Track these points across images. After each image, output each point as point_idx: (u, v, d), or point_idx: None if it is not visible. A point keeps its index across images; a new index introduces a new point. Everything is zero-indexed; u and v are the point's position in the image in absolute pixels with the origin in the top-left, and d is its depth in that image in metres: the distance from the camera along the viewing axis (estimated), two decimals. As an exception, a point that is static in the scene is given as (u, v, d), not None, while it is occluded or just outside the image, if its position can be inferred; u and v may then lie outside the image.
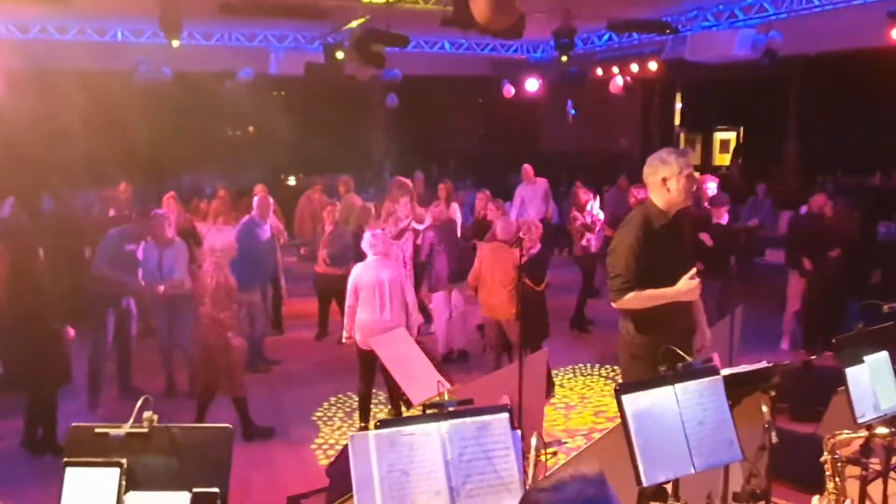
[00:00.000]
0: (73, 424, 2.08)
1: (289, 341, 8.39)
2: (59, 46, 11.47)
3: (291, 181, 16.79)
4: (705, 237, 6.92)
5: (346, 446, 3.94)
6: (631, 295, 3.61)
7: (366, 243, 5.84)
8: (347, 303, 5.77)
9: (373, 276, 5.64)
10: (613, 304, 3.73)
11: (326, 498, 3.95)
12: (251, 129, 18.86)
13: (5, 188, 10.06)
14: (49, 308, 5.47)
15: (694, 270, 3.61)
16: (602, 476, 1.55)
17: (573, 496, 1.49)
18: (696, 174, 3.86)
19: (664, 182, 3.64)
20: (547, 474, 2.44)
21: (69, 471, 2.01)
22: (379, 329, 5.48)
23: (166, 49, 11.56)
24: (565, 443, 5.35)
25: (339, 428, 5.98)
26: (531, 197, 10.51)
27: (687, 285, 3.59)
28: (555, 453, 4.95)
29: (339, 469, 3.95)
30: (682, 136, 17.75)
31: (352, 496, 2.28)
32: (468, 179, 14.64)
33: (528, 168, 10.69)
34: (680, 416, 2.72)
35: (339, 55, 10.82)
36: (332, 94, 14.11)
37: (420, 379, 4.41)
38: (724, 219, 7.37)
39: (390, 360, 4.64)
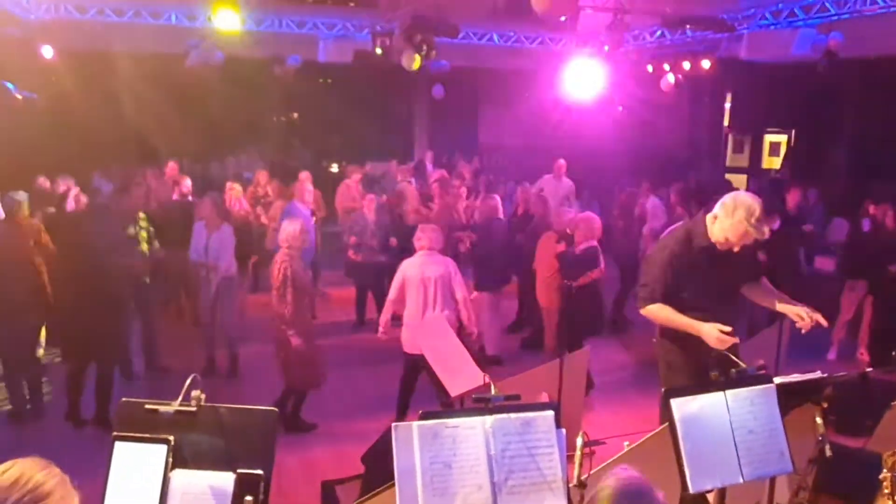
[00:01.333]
0: (124, 399, 2.11)
1: (328, 328, 8.45)
2: (115, 28, 11.69)
3: (334, 168, 16.90)
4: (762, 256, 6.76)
5: (382, 435, 3.94)
6: (655, 306, 3.56)
7: (416, 237, 5.67)
8: (390, 296, 5.63)
9: (418, 272, 5.44)
10: (640, 311, 3.69)
11: (362, 485, 3.96)
12: (295, 115, 19.02)
13: (60, 167, 10.31)
14: (106, 286, 5.58)
15: (730, 329, 3.40)
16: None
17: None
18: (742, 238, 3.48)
19: (714, 218, 3.51)
20: (593, 472, 2.39)
21: (118, 445, 2.04)
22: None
23: (218, 34, 11.73)
24: (603, 443, 5.28)
25: (374, 415, 6.00)
26: (552, 192, 10.16)
27: (716, 336, 3.38)
28: (592, 454, 4.87)
29: (375, 457, 3.95)
30: (730, 137, 17.35)
31: (391, 485, 2.27)
32: (509, 173, 14.55)
33: (561, 163, 10.47)
34: (730, 424, 2.65)
35: (379, 51, 10.83)
36: (379, 82, 14.13)
37: (459, 372, 4.39)
38: (776, 224, 7.22)
39: (431, 351, 4.62)
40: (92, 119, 12.07)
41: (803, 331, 3.57)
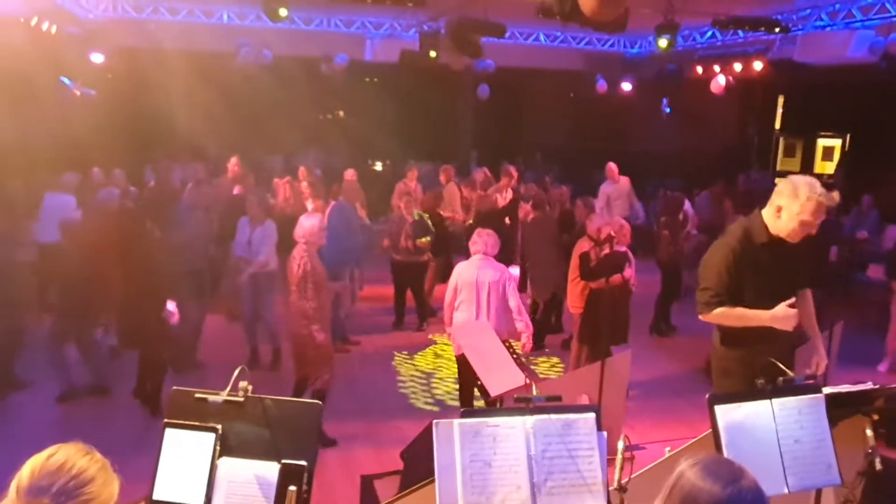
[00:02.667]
0: (175, 388, 2.17)
1: (368, 325, 8.53)
2: (169, 26, 12.00)
3: (378, 166, 17.03)
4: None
5: (422, 431, 3.97)
6: (719, 311, 3.44)
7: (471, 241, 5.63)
8: (446, 299, 5.56)
9: (473, 275, 5.40)
10: (700, 317, 3.57)
11: (401, 480, 3.99)
12: (341, 113, 19.21)
13: (113, 161, 10.63)
14: (160, 278, 5.76)
15: (793, 299, 3.37)
16: None
17: (753, 484, 1.49)
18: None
19: (779, 210, 3.41)
20: (633, 476, 2.38)
21: (168, 431, 2.11)
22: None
23: (267, 32, 11.96)
24: (643, 448, 5.23)
25: (412, 413, 6.04)
26: (616, 195, 10.38)
27: (784, 312, 3.35)
28: (632, 458, 4.83)
29: (415, 453, 3.98)
30: (781, 140, 16.93)
31: (431, 481, 2.29)
32: (552, 174, 14.45)
33: (612, 166, 10.55)
34: (776, 433, 2.60)
35: (433, 53, 10.87)
36: (424, 82, 14.21)
37: (499, 371, 4.40)
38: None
39: (470, 350, 4.64)
40: (144, 115, 12.40)
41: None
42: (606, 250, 6.04)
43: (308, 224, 5.36)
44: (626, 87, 13.65)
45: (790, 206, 3.36)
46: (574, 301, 6.43)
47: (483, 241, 5.50)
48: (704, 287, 3.50)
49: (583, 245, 6.43)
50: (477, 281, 5.36)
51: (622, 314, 6.23)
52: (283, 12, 8.90)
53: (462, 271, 5.51)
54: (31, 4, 9.09)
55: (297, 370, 5.53)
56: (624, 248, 6.19)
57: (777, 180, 3.55)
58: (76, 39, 11.19)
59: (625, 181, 10.57)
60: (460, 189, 10.45)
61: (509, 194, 9.77)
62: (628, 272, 6.03)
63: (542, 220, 7.99)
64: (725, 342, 3.59)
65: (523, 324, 5.47)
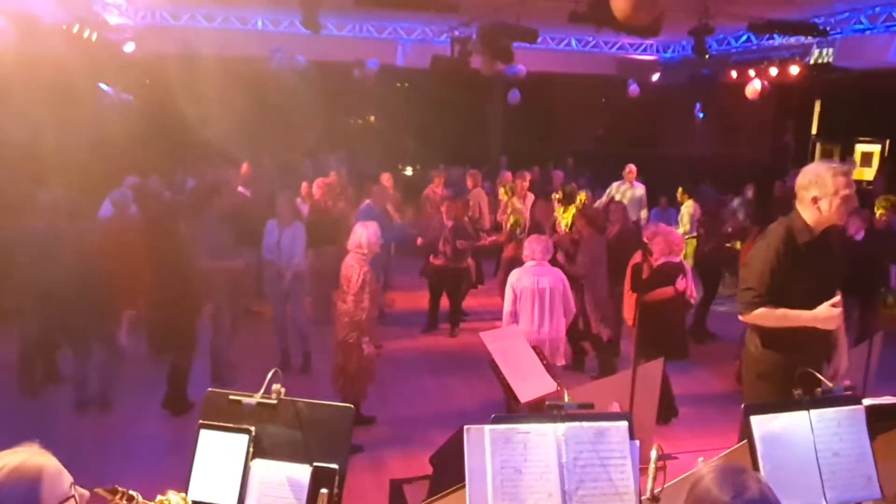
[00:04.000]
0: (210, 390, 2.20)
1: (397, 331, 8.55)
2: (206, 33, 12.22)
3: (408, 171, 17.10)
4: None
5: (451, 437, 3.96)
6: (761, 311, 3.39)
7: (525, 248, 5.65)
8: (506, 308, 5.49)
9: (533, 282, 5.36)
10: (741, 318, 3.52)
11: (430, 485, 3.99)
12: (372, 118, 19.34)
13: (150, 166, 10.83)
14: (192, 283, 5.85)
15: (837, 298, 3.32)
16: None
17: (758, 487, 1.54)
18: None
19: (815, 201, 3.35)
20: (666, 486, 2.35)
21: (203, 432, 2.13)
22: (538, 340, 5.29)
23: (300, 38, 12.11)
24: (676, 458, 5.15)
25: (442, 418, 6.03)
26: (623, 198, 10.32)
27: (827, 312, 3.30)
28: (664, 468, 4.76)
29: (444, 459, 3.98)
30: (818, 146, 16.60)
31: (461, 487, 2.29)
32: (581, 178, 14.36)
33: (632, 168, 10.51)
34: (813, 445, 2.54)
35: (468, 53, 10.87)
36: (455, 87, 14.22)
37: (529, 378, 4.38)
38: (860, 234, 6.90)
39: (500, 356, 4.62)
40: (181, 120, 12.62)
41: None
42: (661, 261, 5.95)
43: (364, 232, 5.36)
44: (651, 81, 13.49)
45: (825, 191, 3.32)
46: (628, 313, 6.35)
47: (535, 247, 5.50)
48: (746, 287, 3.45)
49: (636, 256, 6.34)
50: (538, 287, 5.34)
51: (678, 328, 6.01)
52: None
53: (520, 278, 5.45)
54: (72, 12, 9.33)
55: (335, 379, 5.50)
56: (678, 259, 6.01)
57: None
58: (115, 46, 11.45)
59: (640, 189, 10.56)
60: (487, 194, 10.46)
61: (530, 199, 9.74)
62: (681, 284, 5.80)
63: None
64: (765, 344, 3.52)
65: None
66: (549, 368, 4.53)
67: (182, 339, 5.85)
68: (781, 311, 3.37)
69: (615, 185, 10.71)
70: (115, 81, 12.45)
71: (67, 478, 1.57)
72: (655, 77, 13.64)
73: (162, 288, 5.76)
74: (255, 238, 7.29)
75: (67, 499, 1.55)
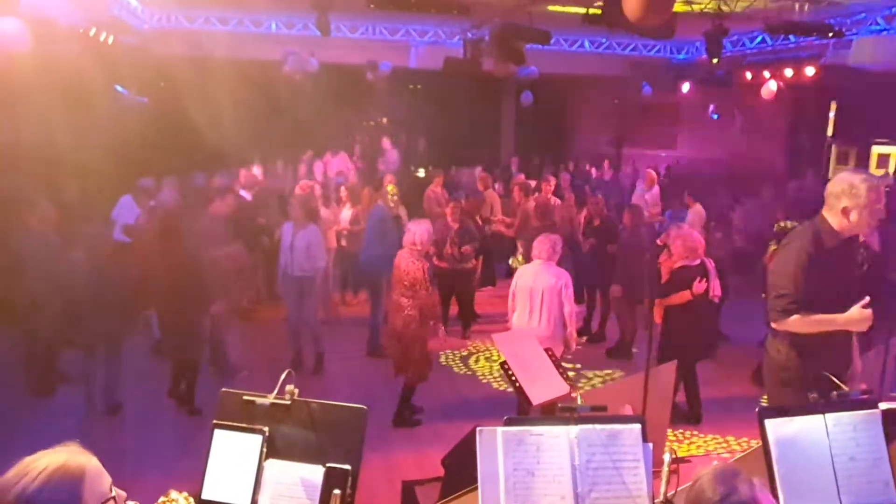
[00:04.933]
0: (224, 390, 2.21)
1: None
2: (220, 36, 12.31)
3: (420, 173, 17.13)
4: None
5: (463, 438, 3.96)
6: (796, 318, 3.35)
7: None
8: (508, 304, 5.72)
9: (529, 280, 5.49)
10: (774, 325, 3.46)
11: (442, 487, 3.99)
12: (385, 120, 19.39)
13: (165, 167, 10.90)
14: (202, 283, 5.90)
15: (867, 299, 3.30)
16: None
17: (749, 491, 1.55)
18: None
19: (845, 212, 3.33)
20: (679, 489, 2.33)
21: (217, 432, 2.15)
22: None
23: (313, 41, 12.17)
24: (689, 461, 5.12)
25: (454, 419, 6.03)
26: (651, 202, 10.53)
27: (860, 314, 3.30)
28: (677, 471, 4.74)
29: (456, 460, 3.98)
30: (833, 147, 16.45)
31: (473, 489, 2.29)
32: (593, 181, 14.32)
33: (651, 173, 10.72)
34: (829, 449, 2.52)
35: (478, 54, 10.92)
36: (468, 88, 14.25)
37: (542, 380, 4.37)
38: (874, 238, 6.83)
39: (513, 358, 4.62)
40: (195, 122, 12.71)
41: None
42: (679, 264, 5.91)
43: (417, 230, 5.68)
44: (685, 87, 13.47)
45: (856, 203, 3.30)
46: (657, 313, 6.33)
47: (538, 247, 5.57)
48: (779, 294, 3.40)
49: (663, 258, 6.31)
50: (532, 286, 5.45)
51: (702, 329, 5.96)
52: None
53: (519, 276, 5.62)
54: (89, 16, 9.42)
55: (398, 369, 5.82)
56: (698, 261, 5.92)
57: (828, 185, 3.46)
58: (132, 49, 11.55)
59: (656, 192, 10.65)
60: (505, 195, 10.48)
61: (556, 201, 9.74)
62: (699, 286, 5.72)
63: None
64: (794, 350, 3.46)
65: (569, 330, 5.52)
66: (562, 370, 4.52)
67: (190, 335, 5.89)
68: (816, 316, 3.34)
69: (641, 187, 10.78)
70: (131, 84, 12.55)
71: (107, 478, 1.58)
72: (685, 88, 13.59)
73: (174, 287, 5.81)
74: (249, 239, 7.39)
75: (108, 500, 1.56)
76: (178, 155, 11.93)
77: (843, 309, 3.33)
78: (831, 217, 3.40)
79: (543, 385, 4.36)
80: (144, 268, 6.08)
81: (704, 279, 5.78)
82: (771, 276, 3.48)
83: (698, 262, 5.91)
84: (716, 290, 5.98)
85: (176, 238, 5.92)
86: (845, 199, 3.32)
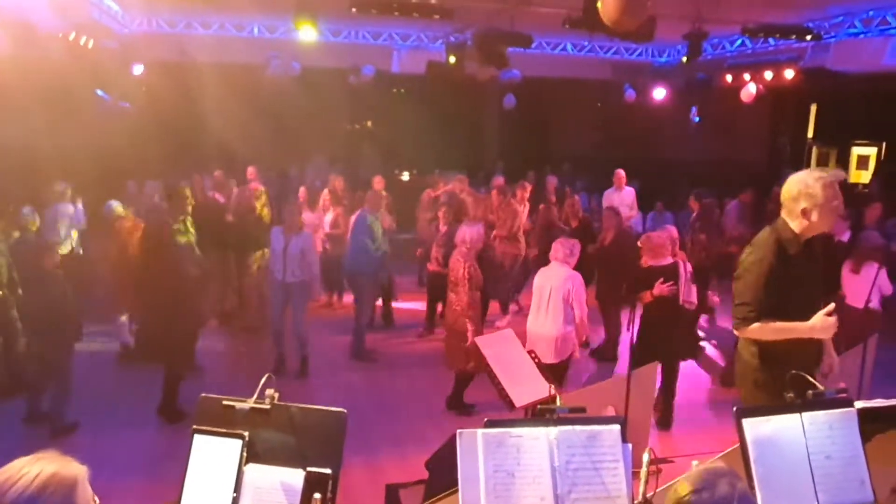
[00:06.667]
0: (203, 395, 2.21)
1: (394, 335, 8.57)
2: (202, 40, 12.25)
3: (405, 177, 17.13)
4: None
5: (447, 442, 3.97)
6: (756, 325, 3.36)
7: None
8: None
9: (539, 281, 5.82)
10: (737, 333, 3.49)
11: (425, 490, 3.99)
12: (369, 124, 19.38)
13: (148, 172, 10.85)
14: (185, 288, 5.85)
15: (832, 306, 3.31)
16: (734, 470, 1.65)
17: (727, 491, 1.53)
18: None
19: (805, 213, 3.33)
20: (659, 490, 2.36)
21: (197, 437, 2.14)
22: (533, 336, 5.70)
23: (296, 45, 12.12)
24: (671, 462, 5.16)
25: (439, 422, 6.04)
26: (619, 203, 10.35)
27: (823, 322, 3.30)
28: (658, 471, 4.77)
29: (439, 463, 3.98)
30: (814, 149, 16.65)
31: (454, 491, 2.29)
32: (578, 183, 14.39)
33: (620, 173, 10.64)
34: (806, 448, 2.55)
35: (452, 59, 10.94)
36: (451, 92, 14.28)
37: (524, 382, 4.39)
38: (846, 236, 6.94)
39: (495, 361, 4.63)
40: (178, 127, 12.65)
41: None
42: (647, 264, 5.97)
43: (470, 231, 6.14)
44: (660, 93, 13.53)
45: (814, 202, 3.30)
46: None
47: (555, 247, 5.86)
48: (740, 302, 3.41)
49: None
50: (541, 285, 5.77)
51: (670, 332, 5.93)
52: (308, 34, 8.96)
53: (538, 275, 5.97)
54: (69, 20, 9.34)
55: (452, 363, 6.17)
56: (665, 262, 5.96)
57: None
58: (113, 53, 11.46)
59: (630, 190, 10.65)
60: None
61: (526, 207, 9.79)
62: (661, 287, 5.77)
63: None
64: (762, 354, 3.48)
65: (578, 331, 5.72)
66: (544, 372, 4.53)
67: (176, 347, 5.84)
68: (778, 324, 3.34)
69: (608, 191, 10.74)
70: (113, 88, 12.46)
71: (89, 487, 1.61)
72: (661, 95, 13.68)
73: (156, 295, 5.76)
74: (224, 241, 7.36)
75: None
76: (161, 159, 11.86)
77: (810, 313, 3.34)
78: (792, 221, 3.40)
79: (526, 387, 4.37)
80: (125, 273, 6.03)
81: (672, 282, 5.80)
82: (734, 284, 3.49)
83: (668, 262, 5.96)
84: (688, 295, 5.98)
85: (162, 244, 5.88)
86: (803, 200, 3.32)
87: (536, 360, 4.54)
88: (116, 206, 7.51)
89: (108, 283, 6.89)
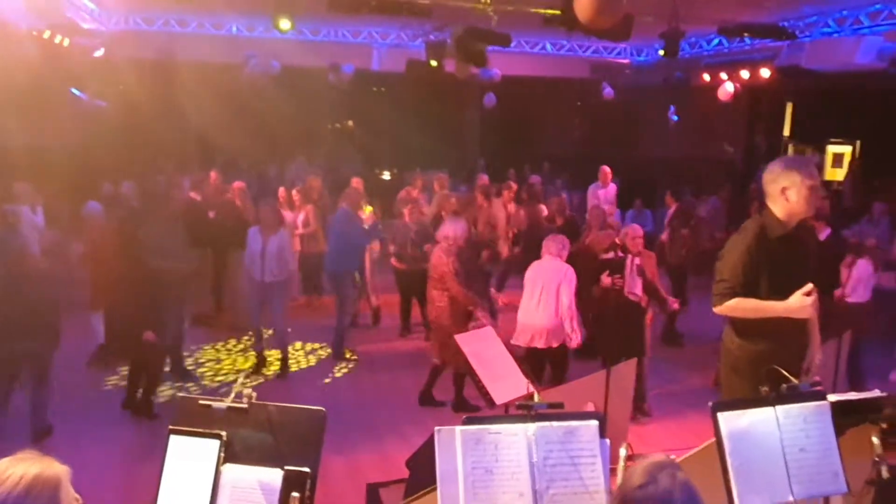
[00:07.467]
0: (180, 395, 2.21)
1: (373, 335, 8.55)
2: (180, 38, 12.14)
3: (386, 175, 17.11)
4: None
5: (427, 440, 3.98)
6: (733, 302, 3.44)
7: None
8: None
9: (531, 274, 5.97)
10: (715, 310, 3.56)
11: (406, 489, 3.99)
12: (350, 122, 19.34)
13: (125, 172, 10.72)
14: (155, 284, 5.80)
15: (809, 286, 3.37)
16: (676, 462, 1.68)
17: (668, 483, 1.55)
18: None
19: (784, 192, 3.44)
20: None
21: (173, 438, 2.12)
22: (525, 327, 5.90)
23: (275, 43, 12.06)
24: (645, 457, 5.20)
25: (419, 420, 6.04)
26: (604, 199, 10.68)
27: (799, 301, 3.35)
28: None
29: (420, 462, 3.98)
30: (790, 147, 16.87)
31: (433, 489, 2.30)
32: (558, 181, 14.47)
33: (606, 170, 10.87)
34: (780, 441, 2.58)
35: (433, 62, 10.97)
36: (431, 91, 14.28)
37: (504, 379, 4.40)
38: (825, 233, 7.05)
39: (475, 358, 4.63)
40: (156, 126, 12.53)
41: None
42: (601, 258, 6.23)
43: (454, 227, 6.18)
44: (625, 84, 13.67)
45: (793, 182, 3.41)
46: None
47: (547, 244, 6.05)
48: (719, 279, 3.52)
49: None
50: (534, 277, 5.91)
51: (616, 328, 6.06)
52: (285, 25, 8.93)
53: (530, 269, 6.07)
54: (44, 18, 9.22)
55: (441, 357, 6.16)
56: (610, 256, 6.20)
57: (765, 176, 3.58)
58: (89, 51, 11.33)
59: (613, 188, 10.85)
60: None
61: (513, 206, 9.84)
62: (605, 280, 5.99)
63: None
64: (740, 336, 3.57)
65: (567, 322, 5.86)
66: (524, 369, 4.55)
67: (139, 342, 5.77)
68: (754, 301, 3.42)
69: (592, 187, 10.90)
70: (89, 87, 12.32)
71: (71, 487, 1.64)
72: (626, 76, 13.84)
73: (125, 292, 5.71)
74: (201, 241, 7.38)
75: None
76: (137, 159, 11.75)
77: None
78: (775, 206, 3.51)
79: (506, 385, 4.38)
80: (98, 270, 5.96)
81: (611, 274, 6.00)
82: (717, 263, 3.59)
83: (613, 256, 6.18)
84: (632, 287, 6.10)
85: (133, 242, 5.82)
86: (782, 180, 3.44)
87: (518, 358, 4.56)
88: (95, 208, 7.41)
89: (84, 283, 6.80)
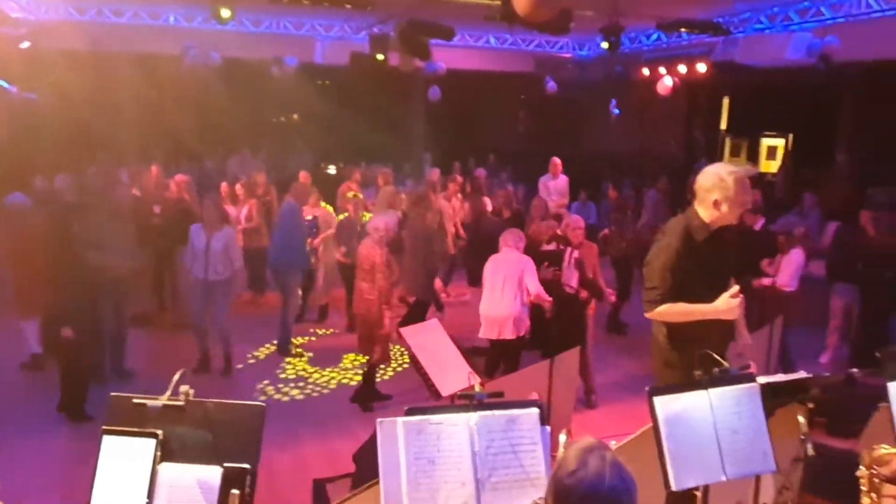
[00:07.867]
0: (113, 394, 2.14)
1: (321, 327, 8.49)
2: (114, 29, 11.74)
3: (332, 169, 16.94)
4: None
5: (373, 433, 3.98)
6: (664, 307, 3.51)
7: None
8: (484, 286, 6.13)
9: (491, 267, 6.00)
10: (646, 315, 3.63)
11: (352, 483, 3.99)
12: (295, 116, 19.06)
13: (59, 166, 10.34)
14: (89, 281, 5.62)
15: (736, 288, 3.47)
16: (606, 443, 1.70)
17: (598, 465, 1.57)
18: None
19: (716, 204, 3.48)
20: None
21: (106, 439, 2.07)
22: (491, 319, 5.92)
23: (215, 34, 11.78)
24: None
25: (365, 414, 6.03)
26: (554, 190, 10.83)
27: (727, 304, 3.45)
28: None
29: (366, 455, 3.97)
30: (727, 140, 17.39)
31: (377, 482, 2.30)
32: (503, 174, 14.59)
33: (556, 161, 10.98)
34: (713, 423, 2.68)
35: (380, 56, 10.92)
36: (376, 84, 14.18)
37: (450, 371, 4.42)
38: (759, 224, 7.32)
39: (420, 351, 4.65)
40: (91, 119, 12.09)
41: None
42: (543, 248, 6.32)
43: (385, 219, 6.23)
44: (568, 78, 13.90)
45: (725, 194, 3.45)
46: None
47: (504, 237, 6.08)
48: (650, 286, 3.56)
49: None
50: (494, 270, 5.95)
51: (554, 318, 6.16)
52: (225, 13, 8.76)
53: (489, 262, 6.09)
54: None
55: (363, 348, 6.28)
56: (552, 247, 6.31)
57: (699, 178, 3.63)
58: (17, 42, 10.85)
59: (564, 179, 10.99)
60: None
61: (458, 199, 9.87)
62: (545, 272, 6.10)
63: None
64: (671, 335, 3.64)
65: (527, 312, 5.94)
66: (470, 361, 4.59)
67: (68, 340, 5.59)
68: (682, 305, 3.50)
69: (544, 178, 11.02)
70: (17, 79, 11.80)
71: None
72: (569, 70, 14.04)
73: (57, 289, 5.52)
74: (147, 238, 7.27)
75: None
76: (73, 153, 11.34)
77: (718, 297, 3.48)
78: (703, 210, 3.55)
79: (452, 376, 4.41)
80: (24, 270, 5.73)
81: (549, 266, 6.18)
82: (644, 269, 3.64)
83: (554, 248, 6.35)
84: (569, 279, 6.24)
85: (64, 240, 5.62)
86: (716, 192, 3.47)
87: (463, 350, 4.59)
88: (20, 199, 7.10)
89: (5, 283, 6.55)
